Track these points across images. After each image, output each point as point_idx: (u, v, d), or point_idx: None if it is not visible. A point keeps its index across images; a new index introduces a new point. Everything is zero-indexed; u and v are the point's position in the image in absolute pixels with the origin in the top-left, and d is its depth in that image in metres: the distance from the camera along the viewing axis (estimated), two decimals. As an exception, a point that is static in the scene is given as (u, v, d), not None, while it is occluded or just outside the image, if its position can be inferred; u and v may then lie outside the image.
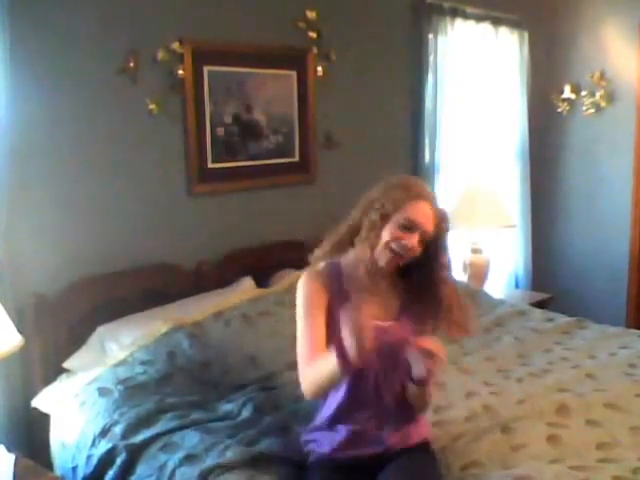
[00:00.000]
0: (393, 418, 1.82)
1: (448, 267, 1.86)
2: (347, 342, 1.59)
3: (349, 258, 1.87)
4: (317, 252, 1.93)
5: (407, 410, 1.83)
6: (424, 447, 1.90)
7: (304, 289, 1.85)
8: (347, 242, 1.87)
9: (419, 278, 1.84)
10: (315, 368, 1.74)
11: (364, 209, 1.84)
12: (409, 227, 1.77)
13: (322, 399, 1.88)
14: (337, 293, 1.83)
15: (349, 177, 3.63)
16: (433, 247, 1.82)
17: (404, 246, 1.77)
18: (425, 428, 1.94)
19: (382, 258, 1.79)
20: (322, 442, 1.86)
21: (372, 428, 1.82)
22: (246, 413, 2.21)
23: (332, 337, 1.77)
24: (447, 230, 1.85)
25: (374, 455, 1.81)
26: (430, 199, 1.82)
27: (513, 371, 2.58)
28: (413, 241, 1.77)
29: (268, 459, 1.94)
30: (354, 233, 1.85)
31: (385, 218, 1.79)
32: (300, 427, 2.00)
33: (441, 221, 1.83)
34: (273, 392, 2.34)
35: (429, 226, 1.79)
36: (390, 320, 1.82)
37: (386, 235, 1.78)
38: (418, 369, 1.66)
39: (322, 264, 1.90)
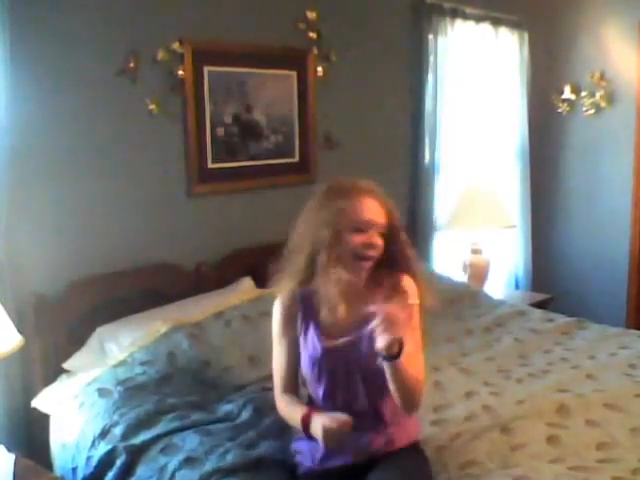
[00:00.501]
0: (370, 421, 1.82)
1: (408, 244, 1.86)
2: (318, 433, 1.68)
3: (318, 284, 1.83)
4: (281, 290, 1.92)
5: (384, 411, 1.83)
6: (412, 448, 1.88)
7: (276, 315, 1.92)
8: (309, 272, 1.84)
9: (388, 265, 1.84)
10: (287, 410, 1.86)
11: (313, 231, 1.81)
12: (363, 228, 1.76)
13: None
14: (309, 313, 1.86)
15: (349, 177, 3.63)
16: (390, 235, 1.81)
17: (367, 246, 1.76)
18: (413, 430, 1.91)
19: (353, 269, 1.77)
20: (306, 454, 1.86)
21: (351, 435, 1.77)
22: (246, 414, 2.21)
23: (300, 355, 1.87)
24: (395, 214, 1.83)
25: (360, 463, 1.80)
26: (369, 191, 1.80)
27: (513, 371, 2.59)
28: (373, 239, 1.76)
29: (268, 463, 1.94)
30: (313, 261, 1.81)
31: (337, 232, 1.76)
32: (290, 435, 2.01)
33: (388, 209, 1.81)
34: (273, 392, 2.34)
35: (381, 219, 1.78)
36: (355, 328, 1.80)
37: (347, 246, 1.75)
38: (382, 339, 1.59)
39: (295, 287, 1.89)
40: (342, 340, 1.81)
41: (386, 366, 1.67)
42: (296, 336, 1.88)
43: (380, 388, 1.77)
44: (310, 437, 1.75)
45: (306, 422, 1.74)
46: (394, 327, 1.59)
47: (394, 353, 1.63)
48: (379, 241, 1.78)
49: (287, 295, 1.89)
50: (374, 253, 1.78)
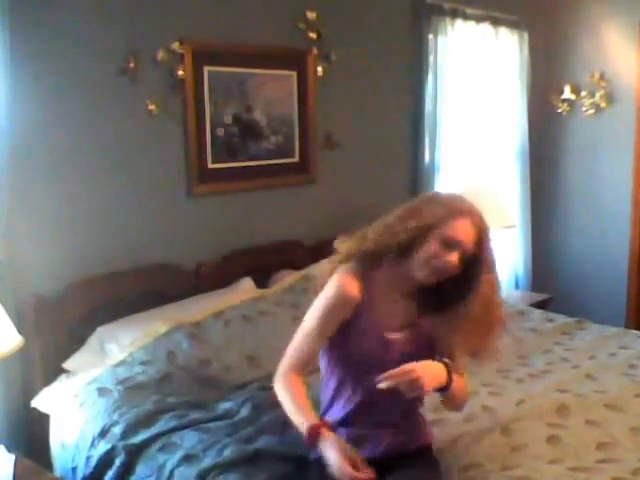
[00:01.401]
0: (390, 418, 1.83)
1: (492, 285, 1.78)
2: (331, 461, 1.61)
3: (382, 269, 1.81)
4: (344, 253, 1.84)
5: (412, 416, 1.87)
6: (426, 454, 1.88)
7: (339, 292, 1.77)
8: (381, 254, 1.79)
9: (449, 293, 1.78)
10: (292, 400, 1.75)
11: (402, 222, 1.76)
12: (450, 245, 1.72)
13: (326, 398, 1.87)
14: (366, 298, 1.79)
15: (349, 177, 3.63)
16: (472, 264, 1.75)
17: (445, 263, 1.72)
18: (427, 434, 1.92)
19: (421, 273, 1.75)
20: None
21: (372, 431, 1.81)
22: (245, 411, 2.22)
23: (336, 341, 1.79)
24: (487, 247, 1.78)
25: (373, 458, 1.76)
26: (472, 215, 1.77)
27: (513, 371, 2.59)
28: (454, 259, 1.72)
29: (265, 457, 1.94)
30: (389, 246, 1.76)
31: (426, 234, 1.73)
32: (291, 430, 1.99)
33: (482, 238, 1.76)
34: (272, 391, 2.34)
35: (470, 244, 1.74)
36: (405, 326, 1.81)
37: (427, 252, 1.73)
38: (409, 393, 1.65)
39: (355, 267, 1.82)
40: (393, 335, 1.80)
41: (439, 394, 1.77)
42: (340, 324, 1.78)
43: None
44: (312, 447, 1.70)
45: (314, 437, 1.66)
46: (412, 386, 1.63)
47: (444, 385, 1.72)
48: (457, 264, 1.73)
49: (357, 279, 1.79)
50: (447, 271, 1.74)
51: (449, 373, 1.72)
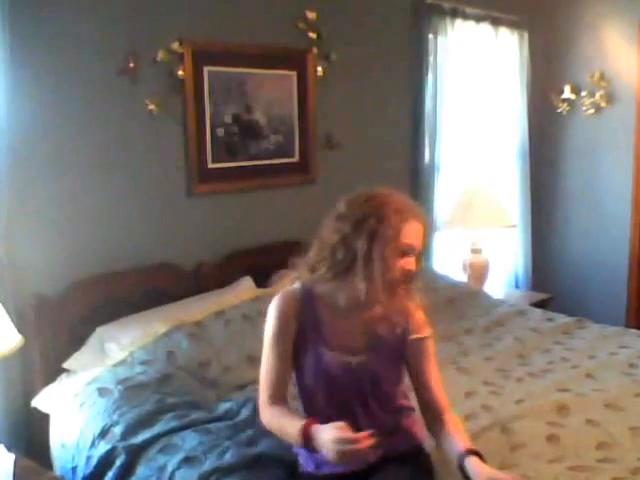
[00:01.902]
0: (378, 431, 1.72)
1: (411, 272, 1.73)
2: (326, 451, 1.55)
3: (329, 285, 1.76)
4: (300, 275, 1.81)
5: (385, 422, 1.78)
6: (416, 454, 1.83)
7: (276, 312, 1.78)
8: (340, 270, 1.71)
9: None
10: (278, 421, 1.71)
11: (351, 231, 1.68)
12: (407, 252, 1.69)
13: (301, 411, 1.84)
14: (309, 319, 1.77)
15: (349, 177, 3.62)
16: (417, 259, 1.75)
17: (407, 271, 1.70)
18: (416, 434, 1.86)
19: (388, 289, 1.69)
20: (307, 459, 1.81)
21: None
22: (245, 412, 2.21)
23: (297, 362, 1.78)
24: (428, 240, 1.79)
25: (359, 469, 1.71)
26: (420, 215, 1.73)
27: (513, 371, 2.59)
28: (413, 264, 1.71)
29: (266, 461, 1.94)
30: (344, 261, 1.70)
31: (392, 248, 1.66)
32: None
33: (427, 235, 1.75)
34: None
35: (420, 245, 1.73)
36: (368, 345, 1.77)
37: (394, 268, 1.67)
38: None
39: (296, 286, 1.81)
40: (357, 358, 1.75)
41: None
42: (293, 341, 1.78)
43: (386, 406, 1.78)
44: (310, 450, 1.66)
45: (307, 434, 1.60)
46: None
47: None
48: (415, 267, 1.72)
49: (289, 293, 1.79)
50: (411, 279, 1.73)
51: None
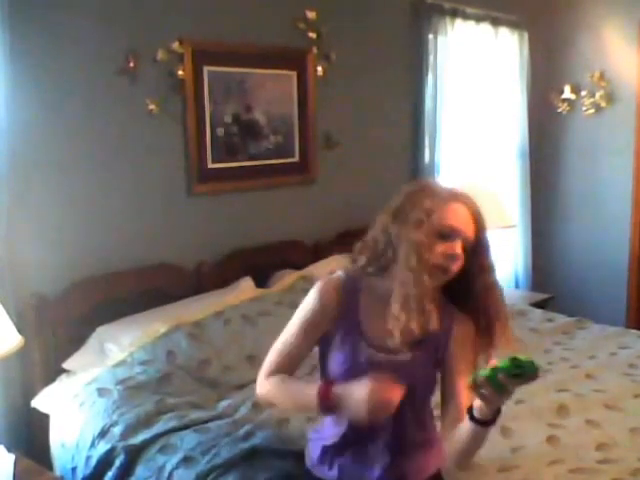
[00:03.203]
0: (384, 451, 1.61)
1: (492, 271, 1.59)
2: (356, 406, 1.44)
3: (373, 278, 1.64)
4: (355, 265, 1.66)
5: (409, 441, 1.64)
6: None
7: (318, 294, 1.63)
8: (383, 263, 1.60)
9: (457, 292, 1.60)
10: (286, 388, 1.60)
11: (390, 221, 1.58)
12: (449, 235, 1.52)
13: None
14: (350, 310, 1.62)
15: (349, 177, 3.63)
16: (473, 252, 1.56)
17: (449, 256, 1.52)
18: (433, 462, 1.69)
19: (427, 280, 1.52)
20: (320, 469, 1.70)
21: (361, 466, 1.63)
22: (244, 410, 2.22)
23: (326, 354, 1.65)
24: (485, 230, 1.59)
25: None
26: (464, 199, 1.59)
27: (513, 371, 2.58)
28: (457, 249, 1.52)
29: (263, 454, 1.93)
30: (384, 252, 1.59)
31: (425, 231, 1.52)
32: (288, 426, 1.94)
33: (479, 222, 1.58)
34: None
35: (470, 231, 1.55)
36: (410, 345, 1.55)
37: (430, 251, 1.51)
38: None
39: (341, 275, 1.67)
40: (397, 357, 1.57)
41: (473, 428, 1.45)
42: (325, 329, 1.63)
43: (416, 416, 1.61)
44: (330, 412, 1.52)
45: (327, 395, 1.47)
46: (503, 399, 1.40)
47: (489, 419, 1.44)
48: (462, 255, 1.53)
49: (335, 280, 1.65)
50: (453, 265, 1.53)
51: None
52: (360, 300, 1.64)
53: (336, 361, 1.61)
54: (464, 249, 1.54)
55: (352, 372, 1.56)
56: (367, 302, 1.64)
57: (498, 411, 1.44)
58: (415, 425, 1.64)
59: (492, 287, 1.58)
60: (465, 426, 1.47)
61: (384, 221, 1.61)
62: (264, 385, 1.64)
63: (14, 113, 2.39)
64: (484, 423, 1.43)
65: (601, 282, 4.56)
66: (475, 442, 1.49)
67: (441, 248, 1.52)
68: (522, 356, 1.31)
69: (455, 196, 1.58)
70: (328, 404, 1.49)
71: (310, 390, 1.52)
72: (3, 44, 2.31)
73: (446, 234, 1.53)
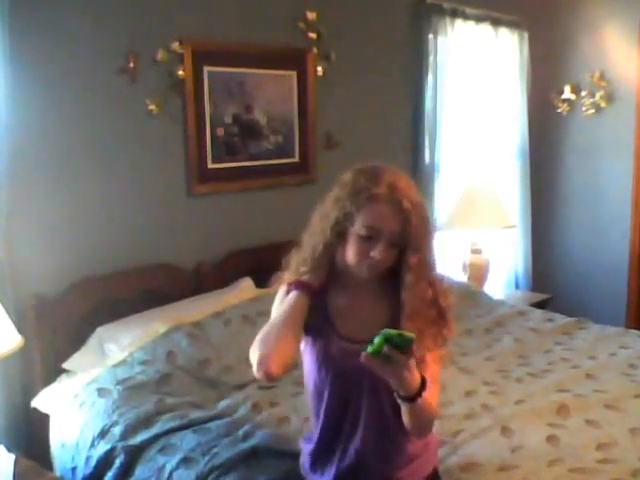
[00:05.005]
0: (377, 452, 1.61)
1: (417, 270, 1.56)
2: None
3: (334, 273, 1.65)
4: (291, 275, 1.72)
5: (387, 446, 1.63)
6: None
7: (284, 291, 1.70)
8: (324, 262, 1.64)
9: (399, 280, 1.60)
10: (269, 324, 1.63)
11: (335, 214, 1.62)
12: (370, 236, 1.52)
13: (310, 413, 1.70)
14: (320, 305, 1.64)
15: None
16: (404, 250, 1.55)
17: (371, 259, 1.53)
18: (425, 466, 1.69)
19: (359, 273, 1.57)
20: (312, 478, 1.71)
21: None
22: (244, 410, 2.22)
23: (306, 351, 1.65)
24: (418, 223, 1.54)
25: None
26: (388, 195, 1.54)
27: (512, 371, 2.59)
28: (378, 252, 1.52)
29: (262, 454, 1.93)
30: (327, 251, 1.62)
31: (343, 228, 1.57)
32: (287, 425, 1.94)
33: (410, 214, 1.53)
34: (271, 391, 2.35)
35: (393, 226, 1.52)
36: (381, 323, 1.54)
37: (352, 253, 1.55)
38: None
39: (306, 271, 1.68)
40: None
41: (405, 406, 1.47)
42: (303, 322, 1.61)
43: (398, 409, 1.54)
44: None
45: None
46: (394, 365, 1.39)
47: (413, 394, 1.43)
48: (386, 255, 1.53)
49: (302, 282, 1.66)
50: (377, 266, 1.55)
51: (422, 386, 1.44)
52: (333, 290, 1.65)
53: (313, 359, 1.63)
54: (392, 245, 1.54)
55: (326, 368, 1.60)
56: (336, 295, 1.65)
57: (423, 384, 1.43)
58: (397, 419, 1.58)
59: (411, 287, 1.56)
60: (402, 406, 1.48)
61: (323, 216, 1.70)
62: (251, 351, 1.60)
63: (14, 113, 2.39)
64: (409, 399, 1.43)
65: (601, 282, 4.56)
66: (416, 417, 1.49)
67: (364, 249, 1.53)
68: (392, 330, 1.36)
69: (380, 195, 1.55)
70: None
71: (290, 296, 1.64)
72: (3, 44, 2.31)
73: (367, 235, 1.53)
